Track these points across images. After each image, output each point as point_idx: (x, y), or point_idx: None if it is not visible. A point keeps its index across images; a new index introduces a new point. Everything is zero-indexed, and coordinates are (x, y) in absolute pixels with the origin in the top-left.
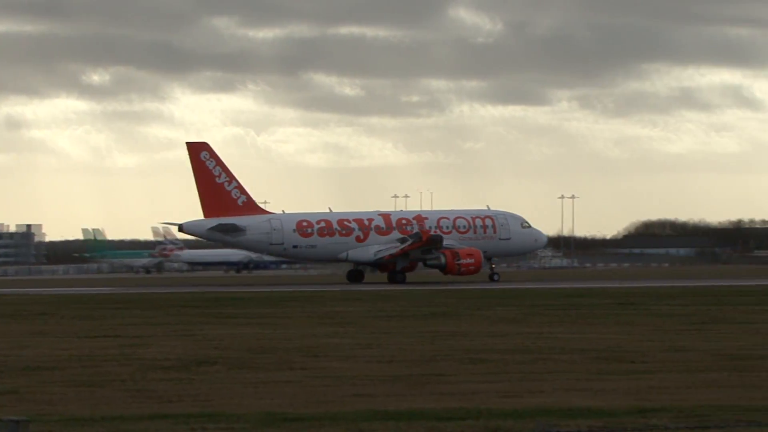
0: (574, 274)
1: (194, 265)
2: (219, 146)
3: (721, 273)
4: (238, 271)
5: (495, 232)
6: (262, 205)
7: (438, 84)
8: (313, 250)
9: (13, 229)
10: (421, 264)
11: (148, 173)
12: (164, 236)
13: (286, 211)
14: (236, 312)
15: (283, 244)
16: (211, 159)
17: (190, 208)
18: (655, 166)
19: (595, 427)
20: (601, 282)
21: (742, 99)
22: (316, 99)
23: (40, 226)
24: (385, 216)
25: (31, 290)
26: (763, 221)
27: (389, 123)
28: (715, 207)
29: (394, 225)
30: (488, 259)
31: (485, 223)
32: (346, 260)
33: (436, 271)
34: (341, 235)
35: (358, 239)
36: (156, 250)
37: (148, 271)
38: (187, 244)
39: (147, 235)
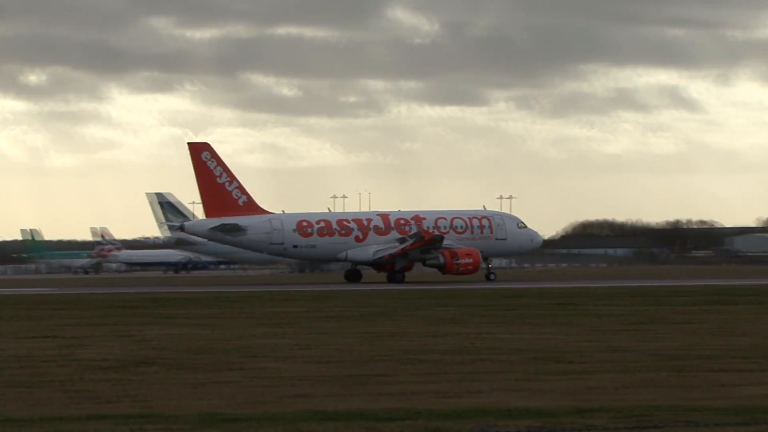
0: (513, 275)
1: (132, 265)
2: (156, 147)
3: (658, 273)
4: (176, 271)
5: (492, 232)
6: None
7: (376, 84)
8: (312, 249)
9: None
10: (416, 264)
11: (85, 173)
12: (102, 237)
13: (286, 211)
14: (175, 312)
15: (283, 243)
16: (212, 159)
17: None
18: (592, 167)
19: (533, 427)
20: (540, 282)
21: (678, 100)
22: (254, 99)
23: None
24: (384, 216)
25: None
26: (701, 222)
27: (327, 123)
28: (652, 207)
29: (392, 225)
30: (485, 259)
31: (482, 224)
32: (345, 260)
33: (434, 270)
34: (341, 235)
35: (357, 239)
36: (94, 250)
37: (86, 272)
38: (125, 245)
39: (85, 236)
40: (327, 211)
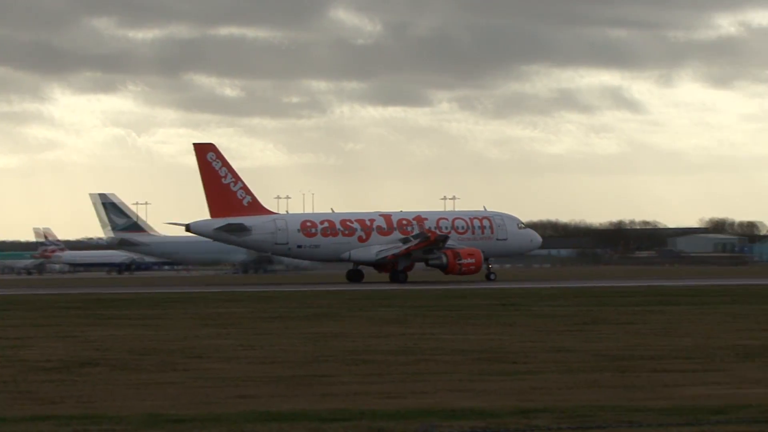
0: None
1: (76, 266)
2: (99, 147)
3: (602, 274)
4: (120, 272)
5: (492, 232)
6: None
7: (318, 85)
8: (316, 249)
9: None
10: (413, 264)
11: (28, 174)
12: (45, 237)
13: (290, 212)
14: (118, 313)
15: (287, 243)
16: (217, 160)
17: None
18: (535, 167)
19: (477, 427)
20: (483, 283)
21: (621, 100)
22: (197, 100)
23: None
24: (386, 216)
25: None
26: (644, 222)
27: (270, 124)
28: (595, 208)
29: (395, 225)
30: (485, 259)
31: (483, 224)
32: (348, 260)
33: (432, 270)
34: (344, 235)
35: (360, 239)
36: (38, 251)
37: (29, 273)
38: (69, 245)
39: (28, 237)
40: (330, 211)
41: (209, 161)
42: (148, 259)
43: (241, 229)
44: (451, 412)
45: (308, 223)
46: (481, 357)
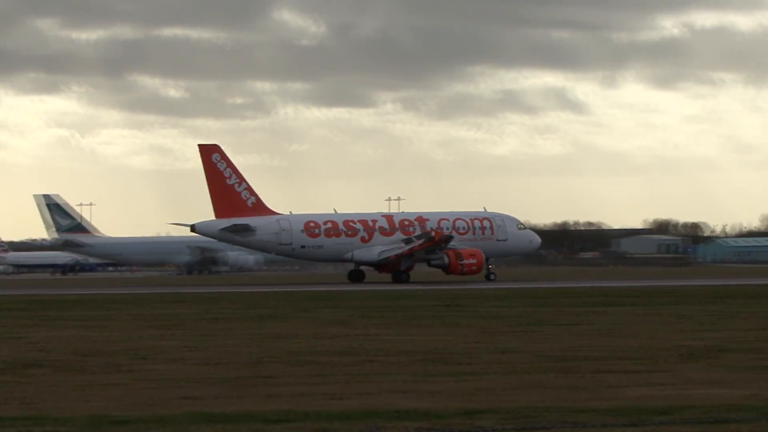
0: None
1: (19, 267)
2: (43, 148)
3: (546, 274)
4: (64, 273)
5: (493, 233)
6: None
7: (263, 86)
8: (320, 250)
9: None
10: (413, 264)
11: None
12: None
13: (293, 212)
14: (62, 314)
15: (291, 244)
16: (222, 161)
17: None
18: (480, 168)
19: (422, 428)
20: (427, 284)
21: (565, 101)
22: (141, 101)
23: None
24: (388, 217)
25: None
26: (588, 223)
27: (214, 125)
28: (540, 209)
29: (397, 226)
30: (486, 259)
31: (483, 225)
32: (351, 260)
33: (428, 270)
34: (347, 235)
35: (363, 240)
36: None
37: None
38: (12, 247)
39: None
40: (333, 212)
41: (214, 162)
42: (92, 260)
43: (247, 229)
44: (396, 413)
45: (312, 224)
46: (425, 358)
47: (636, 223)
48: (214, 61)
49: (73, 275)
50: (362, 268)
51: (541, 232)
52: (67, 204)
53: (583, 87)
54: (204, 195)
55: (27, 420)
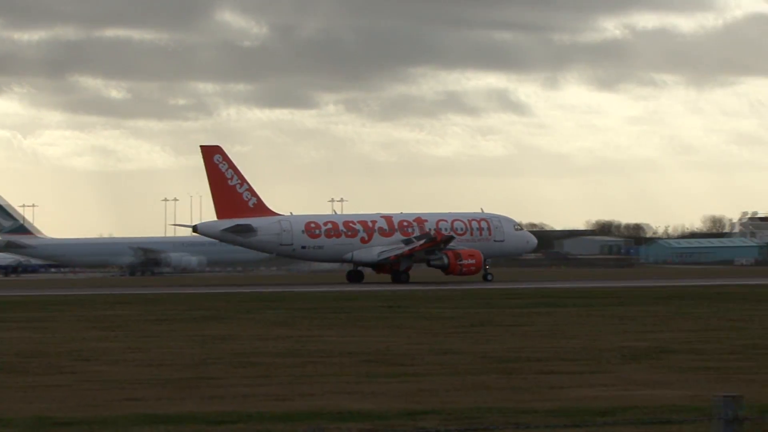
0: (343, 278)
1: None
2: None
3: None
4: (6, 274)
5: (490, 234)
6: None
7: (205, 87)
8: (320, 250)
9: None
10: (411, 264)
11: None
12: None
13: (294, 213)
14: (4, 316)
15: (292, 244)
16: (223, 162)
17: None
18: (422, 169)
19: (365, 429)
20: (370, 285)
21: (507, 103)
22: (83, 102)
23: None
24: (388, 218)
25: None
26: (531, 224)
27: (156, 126)
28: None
29: (396, 227)
30: (484, 260)
31: (481, 226)
32: (350, 261)
33: (431, 271)
34: (347, 236)
35: (362, 240)
36: None
37: None
38: None
39: None
40: (333, 212)
41: (216, 163)
42: (34, 261)
43: (249, 230)
44: (339, 414)
45: (312, 225)
46: (368, 359)
47: (579, 224)
48: (156, 62)
49: (16, 277)
50: (361, 268)
51: None
52: (9, 205)
53: (525, 88)
54: (149, 195)
55: None
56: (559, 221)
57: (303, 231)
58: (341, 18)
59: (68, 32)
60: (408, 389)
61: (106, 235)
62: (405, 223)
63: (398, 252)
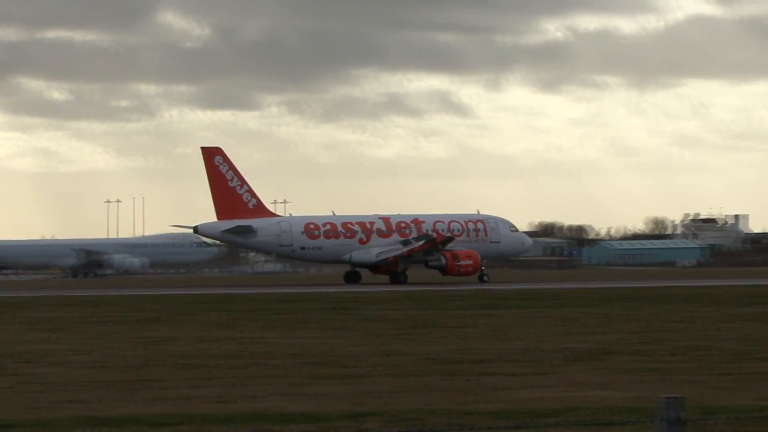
0: (286, 279)
1: None
2: None
3: (432, 277)
4: None
5: (486, 235)
6: None
7: (147, 89)
8: (319, 251)
9: None
10: (408, 265)
11: None
12: None
13: (293, 214)
14: None
15: (292, 245)
16: (224, 163)
17: None
18: (365, 171)
19: (308, 431)
20: (314, 287)
21: (449, 104)
22: (24, 103)
23: None
24: (386, 219)
25: None
26: None
27: (99, 128)
28: (426, 212)
29: (393, 228)
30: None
31: (477, 227)
32: (349, 261)
33: (427, 272)
34: (345, 237)
35: (361, 241)
36: None
37: None
38: None
39: None
40: (331, 214)
41: (216, 165)
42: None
43: (249, 231)
44: (282, 416)
45: (311, 226)
46: (312, 361)
47: (521, 225)
48: (99, 64)
49: None
50: (358, 269)
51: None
52: None
53: (468, 90)
54: (91, 197)
55: None
56: None
57: (302, 232)
58: (284, 20)
59: (9, 33)
60: (351, 391)
61: (48, 237)
62: (402, 225)
63: (396, 253)
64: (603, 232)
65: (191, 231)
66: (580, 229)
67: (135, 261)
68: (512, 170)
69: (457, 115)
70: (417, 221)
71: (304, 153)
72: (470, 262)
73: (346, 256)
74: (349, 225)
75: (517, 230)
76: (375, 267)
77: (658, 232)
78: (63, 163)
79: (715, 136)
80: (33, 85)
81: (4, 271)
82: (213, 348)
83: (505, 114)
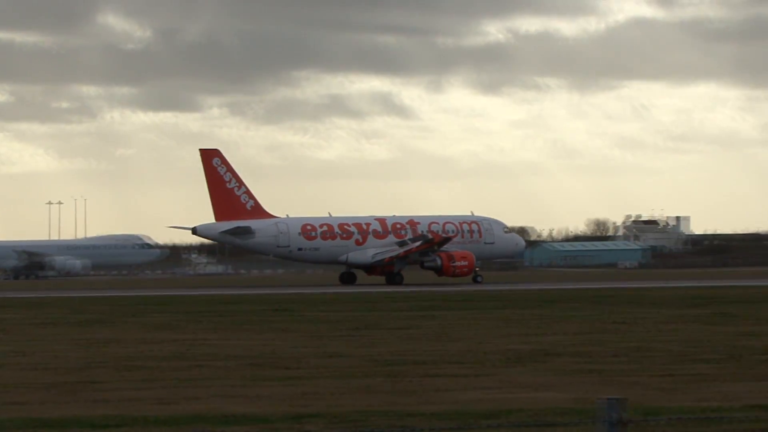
0: (228, 281)
1: None
2: None
3: (374, 278)
4: None
5: (480, 236)
6: None
7: (89, 90)
8: (316, 252)
9: None
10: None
11: None
12: None
13: (290, 216)
14: None
15: (289, 246)
16: (222, 165)
17: None
18: (307, 173)
19: None
20: (255, 288)
21: (391, 106)
22: None
23: None
24: (381, 221)
25: None
26: None
27: (40, 129)
28: (368, 214)
29: (389, 229)
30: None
31: (472, 228)
32: (345, 262)
33: (423, 273)
34: (342, 238)
35: (357, 242)
36: None
37: None
38: None
39: None
40: (328, 215)
41: (215, 166)
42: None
43: (247, 232)
44: (224, 418)
45: (308, 227)
46: (254, 362)
47: None
48: (40, 65)
49: None
50: (353, 270)
51: None
52: None
53: (410, 92)
54: (33, 199)
55: None
56: None
57: (299, 233)
58: (225, 21)
59: None
60: (293, 392)
61: None
62: (398, 226)
63: (393, 254)
64: (545, 234)
65: (189, 232)
66: (522, 230)
67: (77, 263)
68: (454, 172)
69: (399, 117)
70: (412, 222)
71: (246, 155)
72: (465, 263)
73: (343, 257)
74: (345, 226)
75: (510, 231)
76: (370, 268)
77: (599, 233)
78: (4, 165)
79: (656, 137)
80: None
81: None
82: (155, 350)
83: (447, 116)
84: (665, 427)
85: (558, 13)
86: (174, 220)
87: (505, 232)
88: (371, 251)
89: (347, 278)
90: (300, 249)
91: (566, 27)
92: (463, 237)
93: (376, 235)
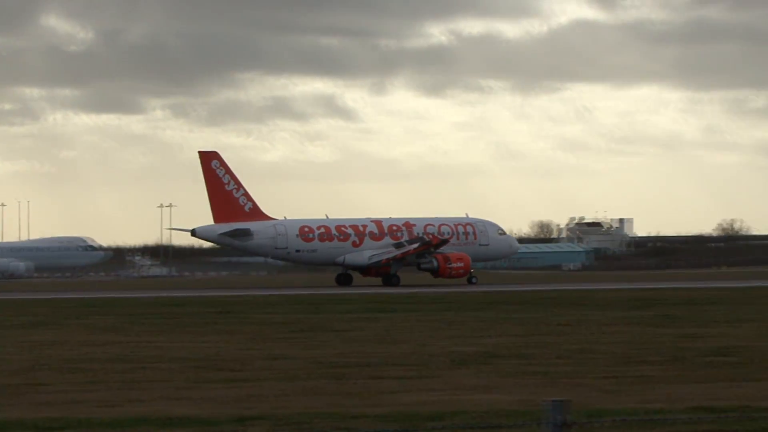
0: (173, 283)
1: None
2: None
3: (319, 281)
4: None
5: (476, 238)
6: None
7: (31, 92)
8: (314, 254)
9: None
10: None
11: None
12: None
13: (288, 218)
14: None
15: (287, 248)
16: (221, 167)
17: None
18: (251, 174)
19: None
20: (200, 291)
21: (334, 108)
22: None
23: None
24: (378, 223)
25: None
26: None
27: None
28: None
29: (386, 231)
30: None
31: (467, 230)
32: (342, 264)
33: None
34: (339, 240)
35: (354, 244)
36: None
37: None
38: None
39: None
40: (325, 217)
41: (213, 168)
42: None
43: (246, 234)
44: (168, 420)
45: (306, 229)
46: (198, 365)
47: None
48: None
49: None
50: (350, 272)
51: None
52: None
53: (353, 94)
54: None
55: None
56: None
57: (297, 235)
58: (168, 23)
59: None
60: (238, 395)
61: None
62: (394, 228)
63: (389, 255)
64: None
65: (189, 233)
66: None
67: (20, 265)
68: (397, 174)
69: (342, 119)
70: (408, 224)
71: (189, 157)
72: (461, 264)
73: (340, 259)
74: (342, 228)
75: (504, 233)
76: (366, 269)
77: (543, 236)
78: None
79: (599, 140)
80: None
81: None
82: (99, 352)
83: (390, 118)
84: (609, 428)
85: (501, 15)
86: (118, 222)
87: (500, 234)
88: (368, 253)
89: (343, 280)
90: (298, 251)
91: (509, 29)
92: (458, 239)
93: (373, 237)
